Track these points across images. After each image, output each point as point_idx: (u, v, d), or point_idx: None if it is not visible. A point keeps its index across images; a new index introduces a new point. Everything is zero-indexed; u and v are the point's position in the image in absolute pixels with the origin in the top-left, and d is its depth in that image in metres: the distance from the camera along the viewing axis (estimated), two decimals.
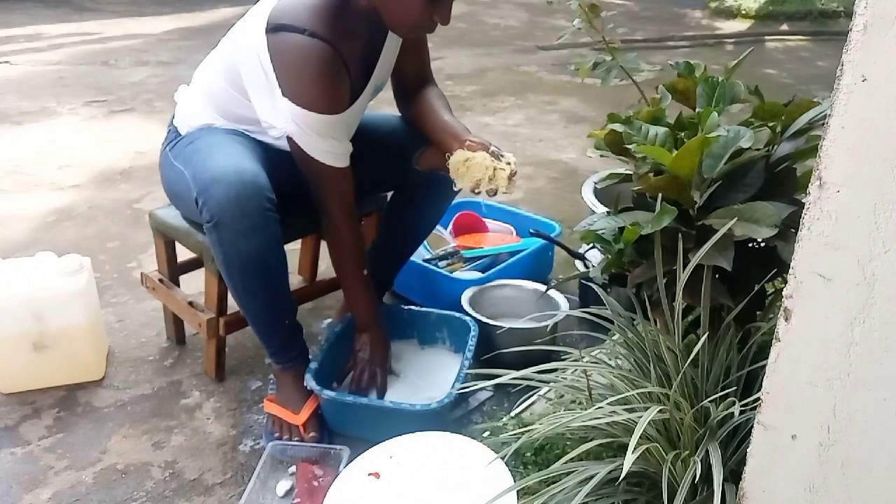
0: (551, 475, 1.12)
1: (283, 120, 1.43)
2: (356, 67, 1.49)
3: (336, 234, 1.57)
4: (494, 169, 1.45)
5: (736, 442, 1.10)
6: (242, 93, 1.49)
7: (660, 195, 1.16)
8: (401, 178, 1.73)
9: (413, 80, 1.67)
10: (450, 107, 1.64)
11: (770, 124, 1.22)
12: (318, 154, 1.45)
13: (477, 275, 2.03)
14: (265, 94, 1.44)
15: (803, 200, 0.77)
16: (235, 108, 1.54)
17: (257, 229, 1.39)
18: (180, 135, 1.62)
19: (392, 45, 1.58)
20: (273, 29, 1.39)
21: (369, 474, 1.29)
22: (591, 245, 1.93)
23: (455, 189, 1.55)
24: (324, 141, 1.44)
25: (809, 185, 0.75)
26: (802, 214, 0.77)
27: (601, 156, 1.30)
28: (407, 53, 1.63)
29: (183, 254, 1.83)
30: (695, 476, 0.99)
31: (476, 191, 1.48)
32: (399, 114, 1.74)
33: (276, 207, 1.42)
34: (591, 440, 1.10)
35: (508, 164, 1.47)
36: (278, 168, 1.46)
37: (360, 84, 1.53)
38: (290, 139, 1.45)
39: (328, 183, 1.50)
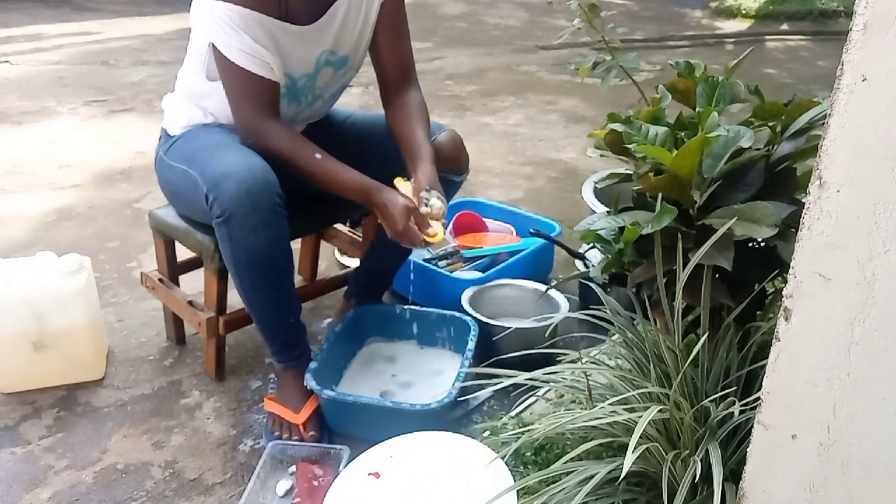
0: (551, 475, 1.12)
1: (204, 23, 1.41)
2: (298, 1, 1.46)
3: (274, 143, 1.46)
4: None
5: (736, 442, 1.10)
6: (211, 72, 1.50)
7: (660, 195, 1.16)
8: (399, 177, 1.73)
9: (395, 76, 1.64)
10: (428, 122, 1.59)
11: (770, 124, 1.22)
12: (233, 54, 1.41)
13: (477, 275, 2.03)
14: (198, 17, 1.44)
15: (803, 200, 0.77)
16: (212, 94, 1.54)
17: (267, 225, 1.40)
18: (172, 137, 1.62)
19: (352, 12, 1.54)
20: None
21: (369, 474, 1.29)
22: (591, 245, 1.93)
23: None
24: (240, 37, 1.40)
25: (809, 185, 0.75)
26: (802, 214, 0.77)
27: (601, 155, 1.30)
28: (386, 44, 1.61)
29: (183, 253, 1.84)
30: (695, 476, 0.99)
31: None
32: None
33: (285, 204, 1.42)
34: (591, 440, 1.10)
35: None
36: (278, 167, 1.46)
37: (302, 16, 1.48)
38: (213, 52, 1.43)
39: (244, 88, 1.44)
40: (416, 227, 1.43)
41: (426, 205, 1.45)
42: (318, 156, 1.46)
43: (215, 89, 1.51)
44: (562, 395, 1.54)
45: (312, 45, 1.53)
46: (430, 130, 1.61)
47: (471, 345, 1.67)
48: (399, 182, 1.49)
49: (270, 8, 1.43)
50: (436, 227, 1.45)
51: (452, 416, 1.62)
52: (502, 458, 1.24)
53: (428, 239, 1.44)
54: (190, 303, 1.74)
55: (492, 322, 1.80)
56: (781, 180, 1.18)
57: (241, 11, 1.39)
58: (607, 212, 1.30)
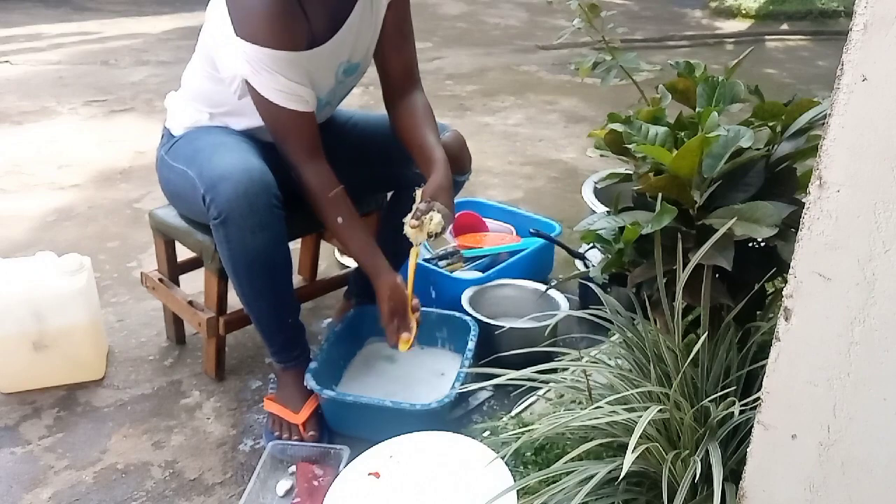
0: (551, 475, 1.13)
1: (237, 63, 1.40)
2: (318, 18, 1.45)
3: (308, 185, 1.48)
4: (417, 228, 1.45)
5: (736, 442, 1.10)
6: (217, 70, 1.49)
7: (660, 195, 1.16)
8: (401, 178, 1.73)
9: (400, 79, 1.64)
10: (435, 125, 1.60)
11: (770, 124, 1.22)
12: (272, 94, 1.42)
13: (477, 275, 2.03)
14: (225, 46, 1.42)
15: (803, 200, 0.77)
16: (217, 94, 1.54)
17: (265, 226, 1.40)
18: (174, 136, 1.62)
19: (365, 21, 1.54)
20: None
21: (369, 474, 1.29)
22: (591, 245, 1.93)
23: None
24: (275, 79, 1.40)
25: (809, 185, 0.75)
26: (802, 214, 0.77)
27: (601, 155, 1.30)
28: (391, 48, 1.61)
29: (183, 253, 1.83)
30: (695, 476, 0.99)
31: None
32: None
33: (283, 205, 1.42)
34: (591, 440, 1.10)
35: (421, 230, 1.44)
36: (278, 167, 1.46)
37: (323, 36, 1.48)
38: (248, 86, 1.43)
39: (286, 126, 1.45)
40: (394, 328, 1.55)
41: (419, 217, 1.43)
42: (340, 220, 1.50)
43: (225, 94, 1.51)
44: (562, 395, 1.54)
45: (332, 60, 1.54)
46: None
47: (471, 345, 1.67)
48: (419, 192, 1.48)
49: (300, 44, 1.43)
50: (410, 334, 1.57)
51: (452, 416, 1.62)
52: (502, 458, 1.24)
53: (400, 343, 1.57)
54: (190, 303, 1.74)
55: (492, 322, 1.80)
56: (781, 180, 1.18)
57: (274, 54, 1.39)
58: (607, 212, 1.30)
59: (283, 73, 1.41)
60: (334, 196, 1.50)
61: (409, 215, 1.45)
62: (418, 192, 1.48)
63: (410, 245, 1.88)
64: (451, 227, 1.51)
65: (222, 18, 1.40)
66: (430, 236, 1.45)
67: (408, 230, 1.45)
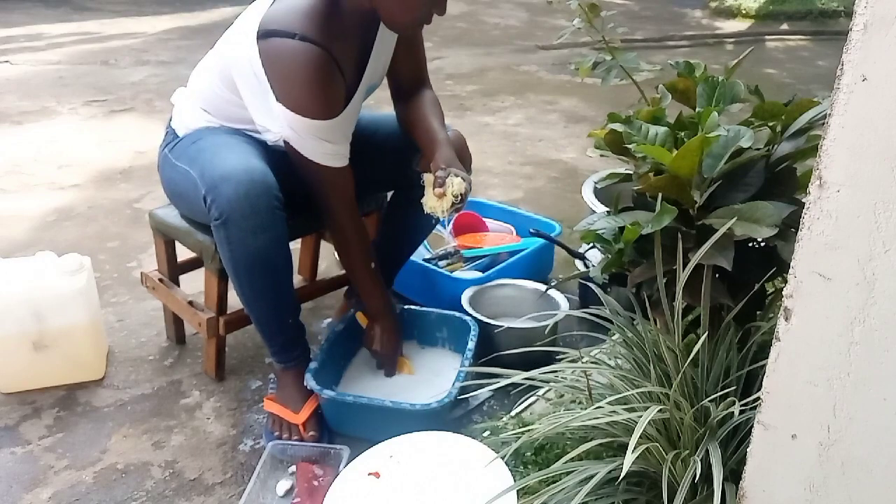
0: (551, 475, 1.12)
1: (279, 125, 1.43)
2: (349, 67, 1.49)
3: (342, 233, 1.58)
4: (442, 197, 1.45)
5: (736, 442, 1.10)
6: (237, 94, 1.49)
7: (660, 195, 1.16)
8: (401, 178, 1.73)
9: (409, 82, 1.67)
10: (442, 115, 1.63)
11: (770, 124, 1.22)
12: (316, 157, 1.46)
13: (477, 275, 2.03)
14: (259, 99, 1.44)
15: (803, 200, 0.77)
16: (231, 109, 1.54)
17: (266, 227, 1.40)
18: (179, 136, 1.62)
19: (385, 43, 1.57)
20: (264, 35, 1.38)
21: (369, 474, 1.29)
22: (591, 245, 1.93)
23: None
24: (320, 144, 1.45)
25: (809, 185, 0.75)
26: (802, 214, 0.77)
27: (601, 155, 1.30)
28: (402, 54, 1.63)
29: (183, 253, 1.83)
30: (695, 476, 0.99)
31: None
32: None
33: (284, 206, 1.43)
34: (591, 440, 1.10)
35: (445, 195, 1.44)
36: (279, 167, 1.46)
37: (354, 84, 1.53)
38: (287, 143, 1.45)
39: (328, 183, 1.51)
40: (395, 364, 1.72)
41: (441, 184, 1.43)
42: (373, 265, 1.63)
43: (236, 104, 1.51)
44: (562, 395, 1.55)
45: (361, 94, 1.57)
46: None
47: (471, 345, 1.67)
48: (427, 177, 1.50)
49: (340, 107, 1.47)
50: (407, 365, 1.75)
51: (452, 416, 1.62)
52: (502, 458, 1.24)
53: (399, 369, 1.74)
54: (190, 303, 1.73)
55: (492, 322, 1.80)
56: (781, 180, 1.18)
57: (321, 125, 1.42)
58: (607, 212, 1.30)
59: (327, 139, 1.45)
60: (359, 239, 1.59)
61: (428, 190, 1.47)
62: (426, 176, 1.50)
63: (410, 247, 1.89)
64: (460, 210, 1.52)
65: (254, 62, 1.40)
66: (455, 202, 1.45)
67: (431, 204, 1.47)
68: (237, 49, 1.45)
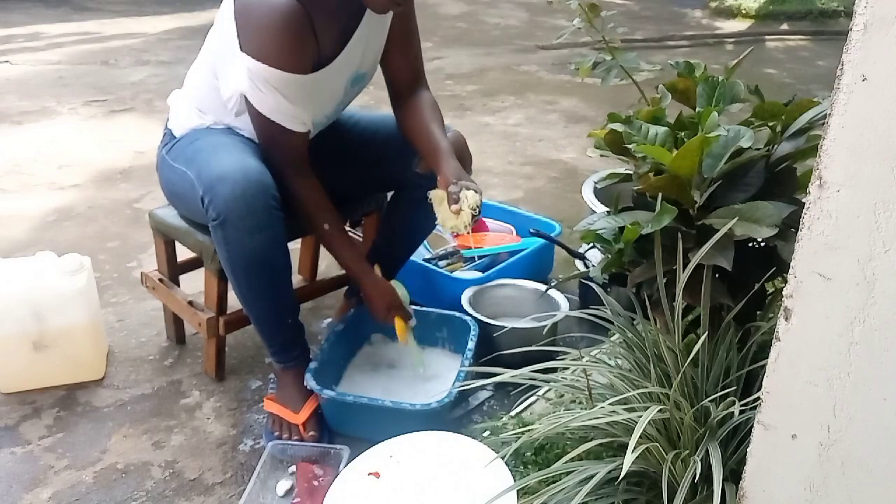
0: (551, 475, 1.12)
1: (238, 78, 1.40)
2: (327, 39, 1.45)
3: (296, 197, 1.50)
4: (460, 212, 1.42)
5: (736, 442, 1.10)
6: (239, 110, 1.49)
7: (660, 195, 1.16)
8: (401, 178, 1.73)
9: (406, 82, 1.65)
10: (441, 119, 1.61)
11: (770, 124, 1.22)
12: (273, 114, 1.42)
13: (477, 275, 2.03)
14: (230, 62, 1.42)
15: (803, 200, 0.77)
16: (222, 111, 1.54)
17: (263, 227, 1.40)
18: (176, 137, 1.62)
19: (371, 30, 1.54)
20: None
21: (369, 474, 1.29)
22: (591, 245, 1.93)
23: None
24: (279, 101, 1.41)
25: (809, 185, 0.75)
26: (802, 214, 0.77)
27: (601, 155, 1.30)
28: (397, 53, 1.62)
29: (183, 253, 1.83)
30: (695, 476, 0.99)
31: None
32: None
33: (281, 206, 1.42)
34: (591, 440, 1.10)
35: (462, 210, 1.42)
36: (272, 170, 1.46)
37: (329, 56, 1.49)
38: (245, 101, 1.42)
39: (283, 146, 1.46)
40: (395, 321, 1.65)
41: (456, 200, 1.42)
42: (326, 226, 1.54)
43: (227, 108, 1.51)
44: (562, 395, 1.55)
45: (341, 74, 1.54)
46: None
47: (471, 345, 1.67)
48: (434, 194, 1.48)
49: (306, 68, 1.43)
50: (413, 320, 1.70)
51: (452, 416, 1.62)
52: (502, 458, 1.24)
53: (399, 331, 1.68)
54: (190, 303, 1.73)
55: (492, 322, 1.80)
56: (781, 180, 1.18)
57: (280, 75, 1.38)
58: (607, 212, 1.30)
59: (285, 94, 1.41)
60: (321, 203, 1.52)
61: (440, 207, 1.45)
62: (432, 193, 1.48)
63: (410, 247, 1.88)
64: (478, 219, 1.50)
65: (229, 33, 1.39)
66: (473, 214, 1.42)
67: (451, 223, 1.44)
68: (219, 19, 1.44)
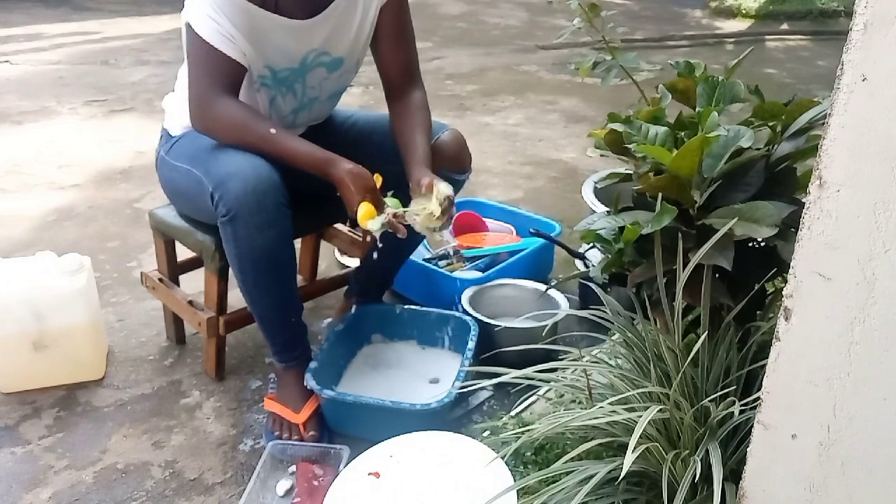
0: (551, 475, 1.12)
1: (187, 5, 1.40)
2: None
3: (227, 116, 1.43)
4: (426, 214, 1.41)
5: (736, 441, 1.10)
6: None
7: (660, 195, 1.16)
8: (400, 178, 1.73)
9: (399, 79, 1.64)
10: (428, 122, 1.60)
11: (770, 124, 1.22)
12: (209, 35, 1.39)
13: (477, 274, 2.03)
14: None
15: (803, 200, 0.77)
16: None
17: (272, 223, 1.40)
18: (173, 136, 1.62)
19: (347, 15, 1.54)
20: None
21: (369, 474, 1.29)
22: (591, 245, 1.93)
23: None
24: (217, 18, 1.38)
25: (809, 185, 0.75)
26: (802, 214, 0.77)
27: (601, 155, 1.30)
28: (391, 49, 1.61)
29: (183, 253, 1.84)
30: (695, 475, 0.99)
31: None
32: None
33: (289, 203, 1.42)
34: (591, 440, 1.10)
35: (432, 200, 1.40)
36: (282, 166, 1.46)
37: (293, 11, 1.47)
38: (187, 33, 1.42)
39: (210, 69, 1.42)
40: (363, 206, 1.40)
41: (423, 194, 1.41)
42: (272, 130, 1.43)
43: None
44: (562, 395, 1.54)
45: (300, 42, 1.52)
46: (433, 130, 1.61)
47: (471, 345, 1.67)
48: (388, 200, 1.45)
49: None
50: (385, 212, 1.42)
51: (452, 416, 1.62)
52: (502, 458, 1.24)
53: (360, 215, 1.40)
54: (190, 303, 1.74)
55: (492, 322, 1.80)
56: (781, 180, 1.18)
57: None
58: (607, 212, 1.30)
59: (229, 16, 1.39)
60: (255, 113, 1.47)
61: (410, 206, 1.43)
62: (389, 199, 1.44)
63: (409, 248, 1.88)
64: (453, 217, 1.46)
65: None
66: (442, 207, 1.39)
67: (419, 220, 1.42)
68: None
